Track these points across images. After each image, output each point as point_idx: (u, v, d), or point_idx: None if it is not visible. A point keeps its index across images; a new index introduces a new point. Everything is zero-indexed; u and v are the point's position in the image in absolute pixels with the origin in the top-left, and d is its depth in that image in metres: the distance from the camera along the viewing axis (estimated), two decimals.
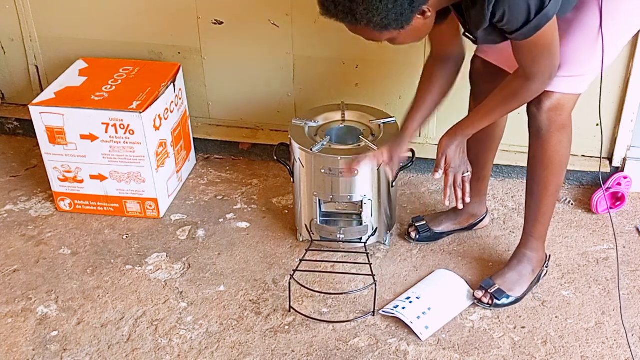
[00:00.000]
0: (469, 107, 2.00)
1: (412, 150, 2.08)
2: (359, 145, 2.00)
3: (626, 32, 1.70)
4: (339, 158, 1.95)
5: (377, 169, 1.99)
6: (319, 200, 2.04)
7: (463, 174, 1.83)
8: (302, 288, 1.94)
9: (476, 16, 1.50)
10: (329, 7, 1.42)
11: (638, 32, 2.10)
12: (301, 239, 2.16)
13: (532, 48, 1.55)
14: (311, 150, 1.96)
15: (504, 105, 1.70)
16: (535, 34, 1.50)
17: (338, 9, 1.41)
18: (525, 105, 1.72)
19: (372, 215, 2.05)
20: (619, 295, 1.85)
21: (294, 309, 1.91)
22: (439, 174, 1.81)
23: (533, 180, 1.84)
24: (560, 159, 1.78)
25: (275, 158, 2.11)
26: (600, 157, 1.92)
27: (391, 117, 2.08)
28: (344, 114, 2.12)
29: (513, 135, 2.14)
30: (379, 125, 2.06)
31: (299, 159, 2.02)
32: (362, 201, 2.02)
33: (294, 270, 1.92)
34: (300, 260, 1.97)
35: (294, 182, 2.11)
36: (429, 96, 1.84)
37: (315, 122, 2.10)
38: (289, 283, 1.90)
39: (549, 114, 1.70)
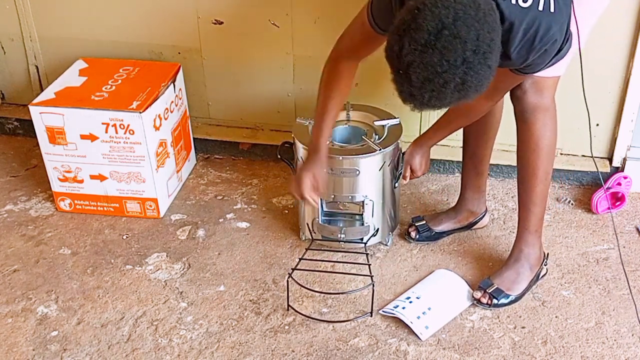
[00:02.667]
0: None
1: None
2: (362, 146, 2.00)
3: (596, 10, 1.71)
4: (341, 158, 1.95)
5: (379, 170, 1.99)
6: (321, 200, 2.04)
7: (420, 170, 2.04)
8: (302, 288, 1.94)
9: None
10: (436, 106, 1.37)
11: (638, 31, 2.12)
12: (304, 238, 2.16)
13: (518, 79, 1.65)
14: None
15: (463, 119, 1.85)
16: None
17: (447, 103, 1.36)
18: (509, 92, 1.78)
19: (373, 216, 2.05)
20: (631, 294, 1.85)
21: (292, 308, 1.91)
22: (405, 182, 2.07)
23: (522, 166, 1.86)
24: (546, 142, 1.80)
25: (279, 157, 2.11)
26: (591, 153, 1.93)
27: (395, 117, 2.08)
28: (349, 114, 2.12)
29: (513, 135, 2.14)
30: (384, 126, 2.06)
31: (302, 157, 2.02)
32: (363, 201, 2.02)
33: (293, 269, 1.92)
34: (300, 259, 1.97)
35: None
36: (337, 105, 1.83)
37: None
38: (287, 282, 1.90)
39: (533, 97, 1.75)
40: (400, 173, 2.05)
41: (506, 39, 1.42)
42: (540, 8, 1.42)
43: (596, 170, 2.30)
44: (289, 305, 1.91)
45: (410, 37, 1.27)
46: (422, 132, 2.41)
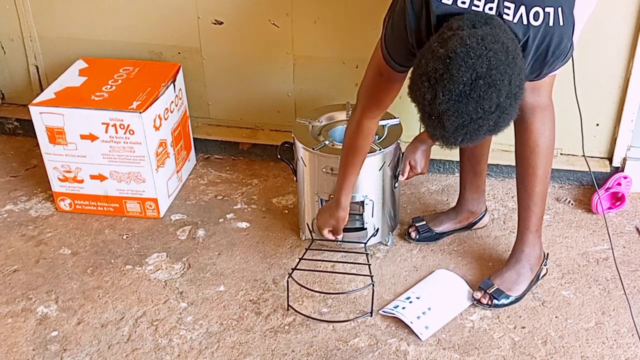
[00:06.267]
0: None
1: None
2: None
3: (587, 7, 1.70)
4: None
5: (379, 170, 1.99)
6: (321, 200, 2.04)
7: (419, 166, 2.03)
8: (302, 288, 1.94)
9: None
10: (467, 145, 1.39)
11: (638, 32, 2.12)
12: (304, 238, 2.16)
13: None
14: (313, 149, 1.97)
15: None
16: None
17: (477, 142, 1.37)
18: None
19: (373, 216, 2.05)
20: (625, 295, 1.85)
21: (292, 307, 1.91)
22: (402, 178, 2.04)
23: (522, 166, 1.85)
24: (545, 141, 1.80)
25: (279, 157, 2.12)
26: (583, 152, 1.92)
27: (395, 117, 2.08)
28: (349, 114, 2.12)
29: (512, 135, 2.14)
30: (384, 126, 2.06)
31: (302, 157, 2.02)
32: (363, 201, 2.02)
33: (293, 269, 1.93)
34: (300, 259, 1.97)
35: (297, 181, 2.12)
36: (359, 165, 1.86)
37: (319, 121, 2.10)
38: (287, 282, 1.90)
39: (530, 97, 1.74)
40: (400, 171, 2.04)
41: None
42: (551, 24, 1.43)
43: (597, 170, 2.32)
44: (289, 306, 1.91)
45: (444, 86, 1.28)
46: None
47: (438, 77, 1.28)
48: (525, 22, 1.41)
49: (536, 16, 1.41)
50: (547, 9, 1.42)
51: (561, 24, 1.44)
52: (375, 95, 1.71)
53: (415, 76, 1.34)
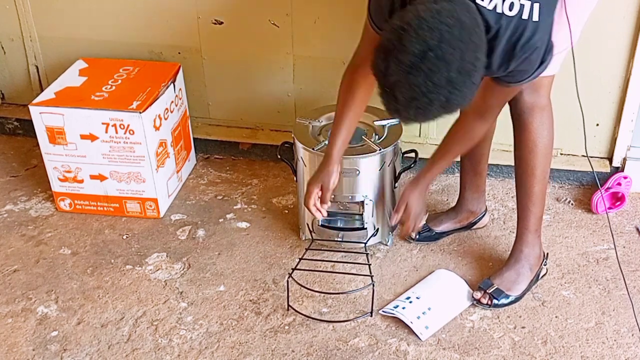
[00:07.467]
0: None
1: (415, 151, 2.10)
2: (362, 146, 2.00)
3: (588, 6, 1.71)
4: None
5: (379, 170, 1.99)
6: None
7: (420, 219, 1.91)
8: (302, 288, 1.94)
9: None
10: (421, 121, 1.40)
11: (638, 32, 2.12)
12: (304, 238, 2.16)
13: (508, 94, 1.64)
14: (313, 149, 1.97)
15: (460, 145, 1.81)
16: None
17: (432, 118, 1.38)
18: None
19: (373, 216, 2.05)
20: (628, 293, 1.85)
21: (292, 307, 1.91)
22: (397, 219, 1.88)
23: (520, 166, 1.86)
24: (544, 141, 1.80)
25: (279, 157, 2.12)
26: (586, 152, 1.91)
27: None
28: None
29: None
30: (384, 126, 2.06)
31: (302, 157, 2.02)
32: (363, 201, 2.02)
33: (293, 269, 1.93)
34: (300, 259, 1.97)
35: (297, 181, 2.12)
36: (353, 114, 1.82)
37: (319, 121, 2.10)
38: (287, 282, 1.90)
39: (528, 97, 1.75)
40: (402, 170, 2.04)
41: (491, 46, 1.44)
42: (525, 16, 1.43)
43: (597, 170, 2.32)
44: (289, 305, 1.91)
45: (396, 58, 1.29)
46: (420, 134, 2.43)
47: (391, 48, 1.30)
48: (499, 10, 1.42)
49: (511, 7, 1.42)
50: (522, 1, 1.42)
51: (535, 19, 1.44)
52: (364, 51, 1.71)
53: (375, 48, 1.35)
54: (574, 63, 1.71)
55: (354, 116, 1.82)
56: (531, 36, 1.44)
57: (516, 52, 1.46)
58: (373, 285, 1.87)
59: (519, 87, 1.63)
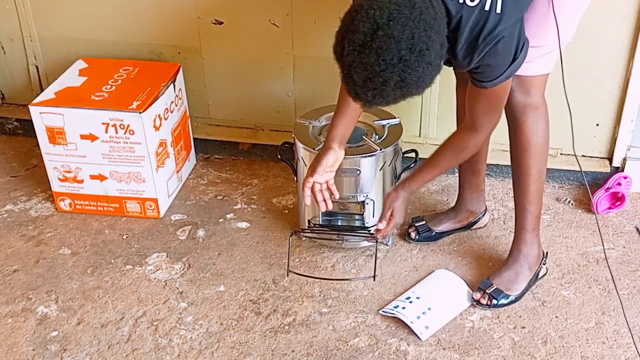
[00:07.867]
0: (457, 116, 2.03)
1: (415, 151, 2.10)
2: (362, 146, 2.00)
3: (578, 5, 1.70)
4: None
5: (380, 170, 1.99)
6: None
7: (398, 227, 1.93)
8: (302, 288, 1.95)
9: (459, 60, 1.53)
10: (381, 103, 1.42)
11: (638, 32, 2.12)
12: (304, 238, 2.16)
13: (490, 98, 1.63)
14: (314, 149, 1.97)
15: (452, 158, 1.81)
16: (500, 84, 1.57)
17: (391, 100, 1.40)
18: None
19: (374, 216, 2.05)
20: (617, 293, 1.85)
21: (292, 271, 1.92)
22: (382, 225, 1.86)
23: (516, 166, 1.86)
24: (538, 141, 1.81)
25: (279, 157, 2.12)
26: (574, 151, 1.90)
27: (395, 117, 2.08)
28: None
29: None
30: (384, 126, 2.06)
31: (302, 157, 2.02)
32: (364, 201, 2.02)
33: (295, 231, 1.97)
34: (303, 229, 2.01)
35: (297, 181, 2.12)
36: (344, 106, 1.82)
37: (319, 121, 2.10)
38: (289, 240, 1.94)
39: (520, 97, 1.76)
40: (403, 170, 2.04)
41: (455, 37, 1.46)
42: (487, 8, 1.45)
43: (597, 170, 2.32)
44: (289, 271, 1.91)
45: (349, 38, 1.34)
46: (420, 134, 2.43)
47: (345, 30, 1.36)
48: (460, 0, 1.44)
49: None
50: None
51: (498, 11, 1.45)
52: None
53: (336, 31, 1.39)
54: (562, 62, 1.70)
55: (346, 105, 1.83)
56: (494, 27, 1.46)
57: (479, 44, 1.47)
58: (376, 249, 1.88)
59: (500, 90, 1.61)
